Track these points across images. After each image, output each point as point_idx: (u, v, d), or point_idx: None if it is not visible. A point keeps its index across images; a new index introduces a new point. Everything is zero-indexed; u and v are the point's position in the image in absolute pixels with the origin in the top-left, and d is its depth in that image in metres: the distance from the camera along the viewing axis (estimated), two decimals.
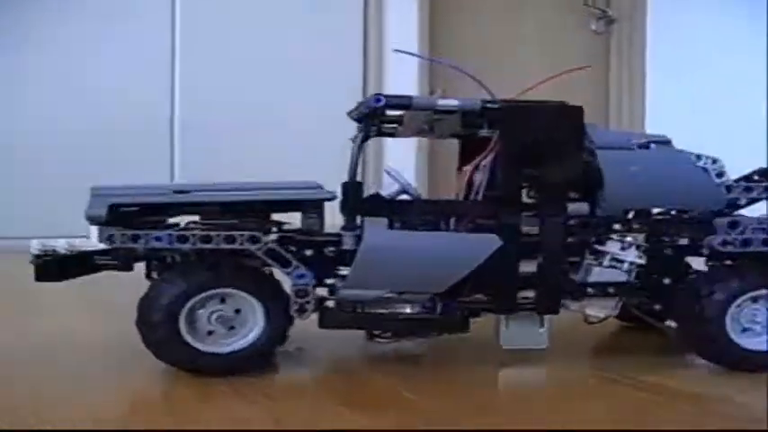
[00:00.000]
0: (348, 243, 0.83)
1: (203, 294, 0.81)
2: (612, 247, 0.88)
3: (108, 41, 2.79)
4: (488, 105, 0.83)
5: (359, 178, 0.85)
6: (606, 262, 0.88)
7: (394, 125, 1.01)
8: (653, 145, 0.90)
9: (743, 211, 0.92)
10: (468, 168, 0.91)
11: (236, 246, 0.81)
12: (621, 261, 0.88)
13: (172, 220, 0.95)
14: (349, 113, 0.83)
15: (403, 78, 2.67)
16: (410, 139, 1.19)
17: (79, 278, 0.92)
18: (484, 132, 0.91)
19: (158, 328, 0.80)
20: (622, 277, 0.88)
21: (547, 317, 0.89)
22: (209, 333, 0.84)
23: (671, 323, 0.97)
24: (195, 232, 0.81)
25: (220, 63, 2.79)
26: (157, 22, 2.77)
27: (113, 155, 2.69)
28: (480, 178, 0.86)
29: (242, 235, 0.81)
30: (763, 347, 0.86)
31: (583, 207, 0.86)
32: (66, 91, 2.79)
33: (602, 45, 4.32)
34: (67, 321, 1.20)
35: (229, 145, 2.78)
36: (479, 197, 0.86)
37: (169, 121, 2.93)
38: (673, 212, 0.92)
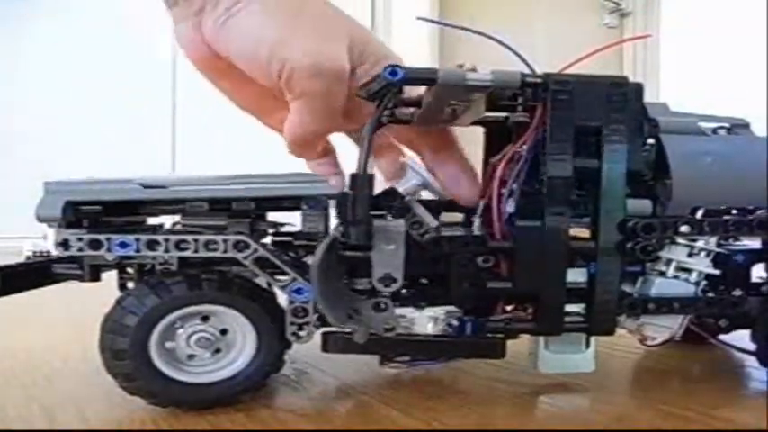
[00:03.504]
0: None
1: (178, 313, 0.66)
2: (678, 253, 0.73)
3: (108, 37, 2.75)
4: (530, 80, 0.67)
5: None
6: (671, 272, 0.72)
7: (409, 109, 0.86)
8: (726, 130, 0.75)
9: None
10: (497, 160, 0.76)
11: (218, 253, 0.66)
12: (689, 270, 0.73)
13: (156, 222, 0.81)
14: (358, 91, 0.67)
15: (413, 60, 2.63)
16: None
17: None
18: (518, 117, 0.76)
19: (124, 356, 0.65)
20: (689, 289, 0.73)
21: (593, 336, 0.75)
22: (190, 357, 0.69)
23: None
24: (168, 237, 0.66)
25: None
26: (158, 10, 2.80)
27: (112, 152, 2.66)
28: (515, 170, 0.71)
29: (225, 240, 0.66)
30: None
31: (645, 205, 0.70)
32: (64, 85, 2.74)
33: (615, 39, 4.23)
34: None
35: (229, 132, 2.72)
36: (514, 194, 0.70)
37: (171, 109, 2.86)
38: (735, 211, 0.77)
